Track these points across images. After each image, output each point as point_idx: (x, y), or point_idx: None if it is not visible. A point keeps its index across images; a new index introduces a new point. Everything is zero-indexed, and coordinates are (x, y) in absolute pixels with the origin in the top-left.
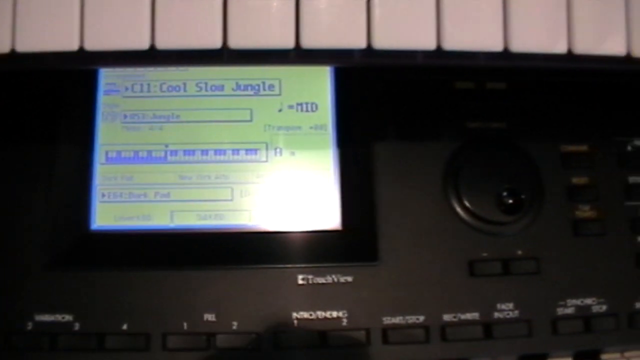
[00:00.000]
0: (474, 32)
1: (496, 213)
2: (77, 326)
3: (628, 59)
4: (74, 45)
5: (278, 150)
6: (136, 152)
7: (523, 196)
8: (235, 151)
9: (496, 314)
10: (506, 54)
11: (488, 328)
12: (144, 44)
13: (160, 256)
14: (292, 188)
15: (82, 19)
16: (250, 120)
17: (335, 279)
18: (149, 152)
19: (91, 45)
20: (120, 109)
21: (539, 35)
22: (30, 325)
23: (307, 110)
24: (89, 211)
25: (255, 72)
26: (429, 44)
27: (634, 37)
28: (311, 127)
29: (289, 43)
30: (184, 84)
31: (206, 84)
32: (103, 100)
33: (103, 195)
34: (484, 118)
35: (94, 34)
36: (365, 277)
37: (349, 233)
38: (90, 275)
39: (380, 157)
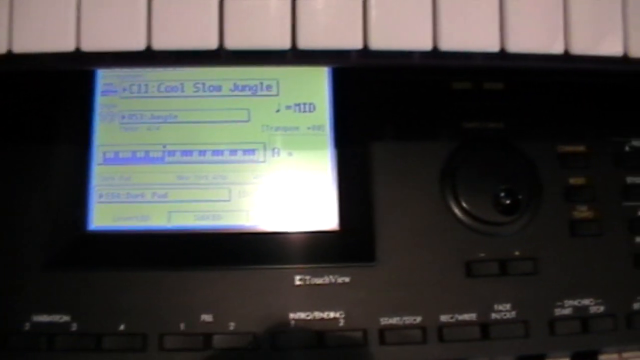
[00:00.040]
0: (471, 33)
1: (493, 213)
2: (74, 326)
3: (625, 59)
4: (70, 46)
5: (276, 150)
6: (134, 152)
7: (520, 196)
8: (233, 151)
9: (493, 315)
10: (503, 54)
11: (485, 329)
12: (141, 45)
13: (158, 257)
14: (290, 188)
15: (78, 20)
16: (248, 121)
17: (333, 280)
18: (147, 152)
19: (88, 46)
20: (117, 110)
21: (535, 35)
22: (27, 326)
23: (304, 111)
24: (86, 211)
25: (253, 73)
26: (426, 45)
27: (631, 37)
28: (309, 128)
29: (286, 44)
30: (182, 85)
31: (204, 84)
32: (100, 101)
33: (101, 196)
34: (481, 118)
35: (90, 34)
36: (362, 277)
37: (346, 233)
38: (87, 276)
39: (378, 158)
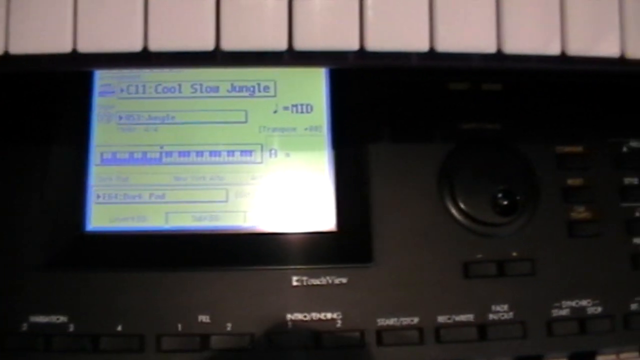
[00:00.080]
0: (467, 34)
1: (491, 214)
2: (71, 327)
3: (622, 60)
4: (67, 47)
5: (273, 151)
6: (131, 153)
7: (518, 197)
8: (230, 152)
9: (491, 316)
10: (499, 55)
11: (483, 329)
12: (137, 46)
13: (155, 257)
14: (287, 189)
15: (75, 21)
16: (246, 122)
17: (330, 281)
18: (144, 153)
19: (84, 47)
20: (115, 110)
21: (532, 36)
22: (25, 327)
23: (302, 112)
24: (84, 212)
25: (250, 74)
26: (422, 46)
27: (628, 38)
28: (306, 129)
29: (282, 45)
30: (179, 85)
31: (201, 85)
32: (98, 102)
33: (98, 197)
34: (478, 119)
35: (86, 36)
36: (359, 278)
37: (343, 234)
38: (85, 277)
39: (375, 158)
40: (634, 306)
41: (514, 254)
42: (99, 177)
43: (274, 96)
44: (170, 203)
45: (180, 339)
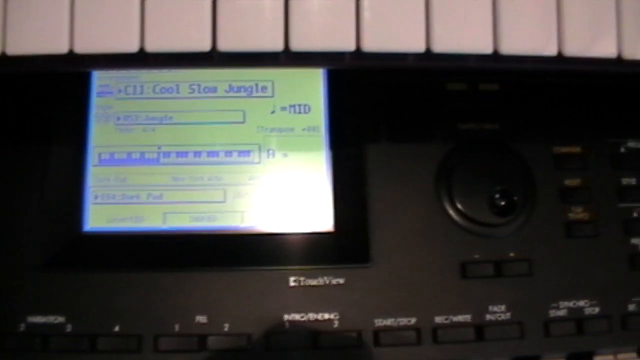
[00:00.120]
0: (464, 34)
1: (488, 215)
2: (69, 328)
3: (619, 60)
4: (63, 48)
5: (271, 151)
6: (129, 153)
7: (515, 198)
8: (228, 153)
9: (488, 316)
10: (496, 56)
11: (480, 330)
12: (133, 47)
13: (153, 258)
14: (285, 190)
15: (72, 22)
16: (243, 122)
17: (327, 281)
18: (142, 153)
19: (81, 48)
20: (113, 111)
21: (529, 37)
22: (22, 327)
23: (299, 112)
24: (81, 212)
25: (248, 74)
26: (419, 47)
27: (625, 38)
28: (304, 129)
29: (278, 46)
30: (177, 86)
31: (199, 85)
32: (96, 102)
33: (96, 197)
34: (476, 119)
35: (83, 36)
36: (357, 278)
37: (341, 235)
38: (82, 277)
39: (373, 159)
40: (631, 307)
41: (512, 254)
42: (97, 177)
43: (272, 96)
44: (168, 203)
45: (177, 339)
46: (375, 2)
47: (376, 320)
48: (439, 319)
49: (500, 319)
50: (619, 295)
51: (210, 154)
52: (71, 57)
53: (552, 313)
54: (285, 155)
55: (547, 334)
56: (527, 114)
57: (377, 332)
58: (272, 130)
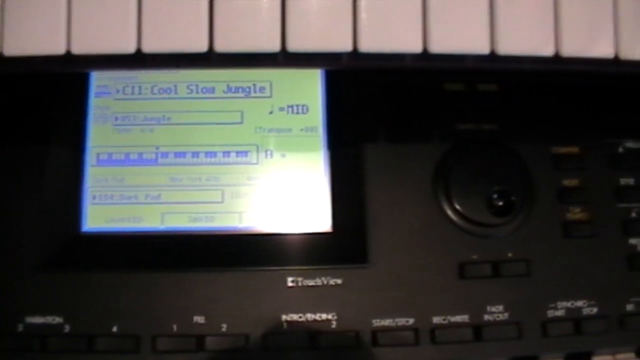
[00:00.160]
0: (461, 35)
1: (486, 215)
2: (67, 328)
3: (616, 61)
4: (61, 49)
5: (269, 152)
6: (127, 154)
7: (513, 198)
8: (226, 153)
9: (486, 317)
10: (493, 56)
11: (478, 330)
12: (131, 48)
13: (151, 258)
14: (283, 190)
15: (69, 23)
16: (241, 122)
17: (325, 281)
18: (140, 154)
19: (78, 48)
20: (111, 111)
21: (526, 37)
22: (21, 327)
23: (297, 112)
24: (80, 213)
25: (246, 75)
26: (416, 47)
27: (622, 39)
28: (302, 129)
29: (276, 46)
30: (175, 86)
31: (197, 86)
32: (94, 103)
33: (94, 197)
34: (474, 120)
35: (81, 37)
36: (355, 279)
37: (339, 235)
38: (80, 277)
39: (371, 159)
40: (629, 307)
41: (510, 254)
42: (95, 178)
43: (270, 97)
44: (166, 204)
45: (175, 339)
46: (373, 3)
47: (374, 321)
48: (436, 319)
49: (498, 319)
50: (617, 296)
51: (208, 154)
52: (69, 58)
53: (550, 313)
54: (283, 155)
55: (545, 334)
56: (524, 114)
57: (375, 333)
58: (270, 130)
